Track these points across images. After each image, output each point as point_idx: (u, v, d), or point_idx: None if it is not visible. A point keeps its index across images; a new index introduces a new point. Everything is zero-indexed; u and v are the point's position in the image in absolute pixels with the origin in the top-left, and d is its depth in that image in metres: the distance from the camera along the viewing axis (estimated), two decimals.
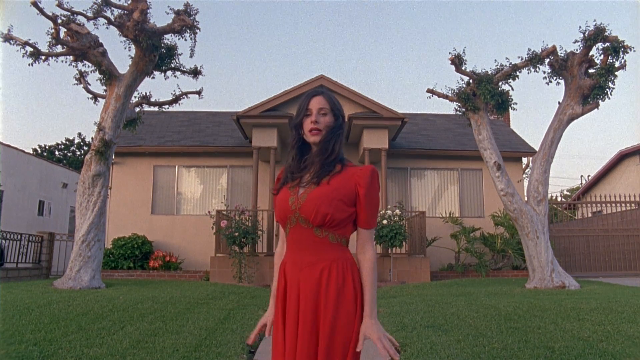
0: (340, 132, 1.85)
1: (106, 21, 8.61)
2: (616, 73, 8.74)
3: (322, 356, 1.62)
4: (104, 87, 9.34)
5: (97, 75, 9.08)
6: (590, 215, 16.43)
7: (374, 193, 1.74)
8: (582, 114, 8.99)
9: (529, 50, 8.92)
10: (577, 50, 8.98)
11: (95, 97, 10.14)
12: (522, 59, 9.02)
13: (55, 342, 3.95)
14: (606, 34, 8.59)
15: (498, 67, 9.20)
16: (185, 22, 8.72)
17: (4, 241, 11.07)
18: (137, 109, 10.63)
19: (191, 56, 9.20)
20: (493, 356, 3.69)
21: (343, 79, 76.78)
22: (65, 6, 8.62)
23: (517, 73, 9.11)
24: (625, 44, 8.62)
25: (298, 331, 1.68)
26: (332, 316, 1.65)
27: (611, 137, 74.16)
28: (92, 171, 8.68)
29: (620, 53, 8.66)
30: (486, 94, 8.94)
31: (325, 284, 1.68)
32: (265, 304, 6.68)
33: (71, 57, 8.94)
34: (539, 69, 9.04)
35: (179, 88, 11.45)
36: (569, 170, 66.79)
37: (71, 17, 8.63)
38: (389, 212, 10.74)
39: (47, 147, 33.73)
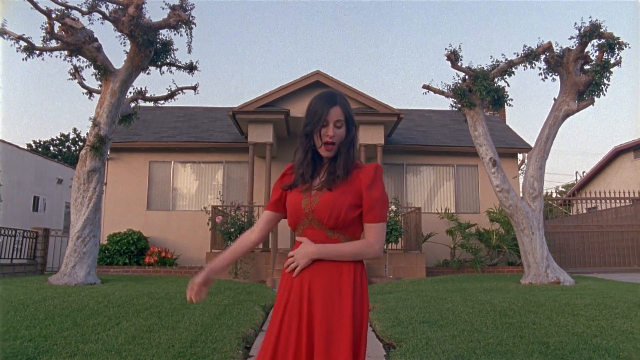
0: (353, 141, 1.87)
1: (101, 16, 8.57)
2: (611, 69, 8.75)
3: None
4: (99, 83, 9.29)
5: (92, 70, 9.05)
6: (585, 211, 16.52)
7: (377, 187, 1.78)
8: (578, 110, 9.01)
9: (525, 46, 8.92)
10: (572, 46, 8.98)
11: (90, 92, 10.10)
12: (518, 55, 9.01)
13: (50, 338, 3.94)
14: (601, 30, 8.59)
15: (494, 63, 9.19)
16: (180, 17, 8.69)
17: None
18: (133, 105, 10.60)
19: (189, 52, 9.20)
20: (488, 351, 3.70)
21: (339, 75, 76.54)
22: (59, 0, 8.56)
23: (513, 69, 9.10)
24: (620, 40, 8.63)
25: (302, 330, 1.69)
26: (328, 316, 1.67)
27: (606, 134, 74.48)
28: (87, 167, 8.65)
29: (616, 49, 8.66)
30: (482, 90, 8.94)
31: (337, 287, 1.72)
32: (261, 299, 6.68)
33: (66, 52, 8.88)
34: (535, 65, 9.05)
35: (175, 83, 11.46)
36: (564, 166, 67.07)
37: (66, 11, 8.57)
38: None
39: (42, 143, 33.54)
